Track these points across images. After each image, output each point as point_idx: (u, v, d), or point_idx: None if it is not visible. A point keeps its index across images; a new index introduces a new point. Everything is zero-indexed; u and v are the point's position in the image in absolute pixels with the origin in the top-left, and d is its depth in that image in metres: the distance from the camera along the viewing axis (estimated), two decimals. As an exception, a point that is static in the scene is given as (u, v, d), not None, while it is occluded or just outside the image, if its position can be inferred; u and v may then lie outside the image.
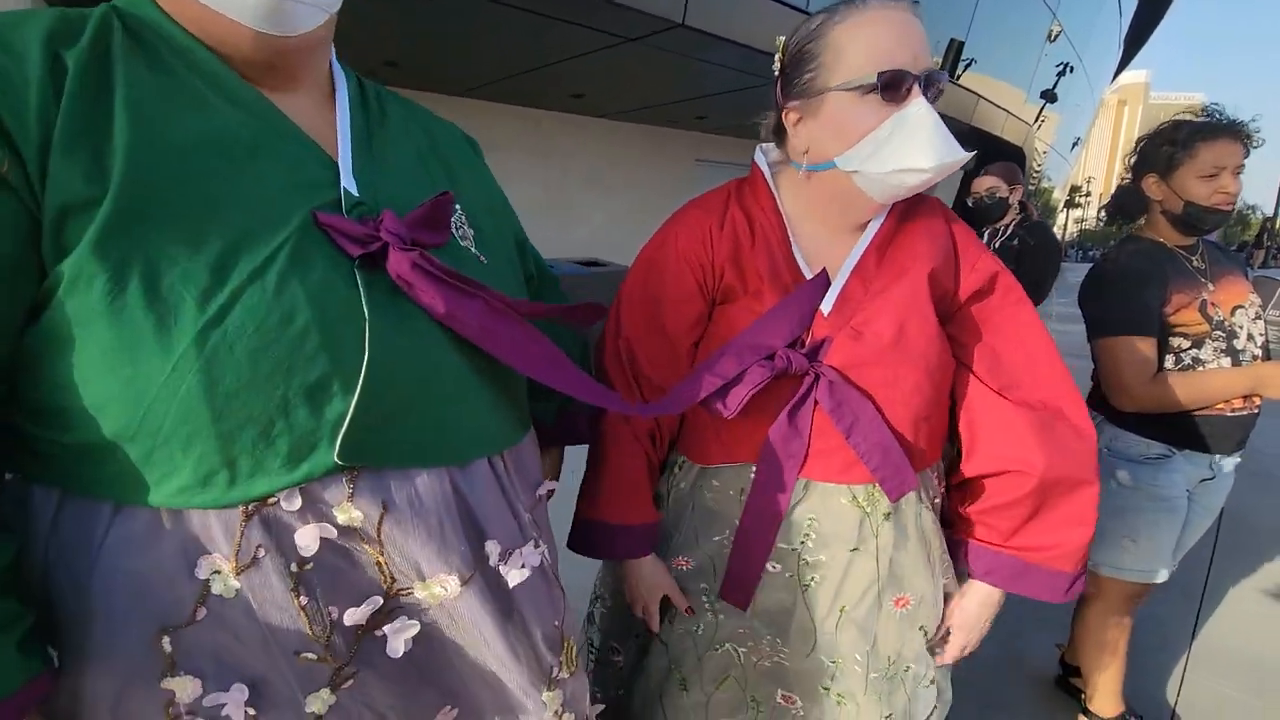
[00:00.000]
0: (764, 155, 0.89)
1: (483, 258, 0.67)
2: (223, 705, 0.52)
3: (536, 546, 0.68)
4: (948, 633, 0.88)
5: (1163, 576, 1.46)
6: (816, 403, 0.76)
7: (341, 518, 0.54)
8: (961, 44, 6.89)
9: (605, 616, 1.05)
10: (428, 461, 0.59)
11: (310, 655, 0.55)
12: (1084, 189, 60.21)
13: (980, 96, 6.45)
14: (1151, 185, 1.40)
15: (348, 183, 0.58)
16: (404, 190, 0.63)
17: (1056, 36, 8.35)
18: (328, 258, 0.53)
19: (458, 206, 0.67)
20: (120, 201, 0.45)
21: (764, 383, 0.75)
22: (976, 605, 0.85)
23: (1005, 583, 0.82)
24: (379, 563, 0.56)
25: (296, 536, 0.52)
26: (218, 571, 0.51)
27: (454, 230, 0.64)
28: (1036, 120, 14.58)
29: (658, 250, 0.87)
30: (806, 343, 0.78)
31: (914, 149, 0.71)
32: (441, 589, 0.58)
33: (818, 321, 0.78)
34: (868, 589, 0.80)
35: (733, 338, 0.78)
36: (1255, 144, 1.34)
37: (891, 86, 0.70)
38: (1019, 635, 1.91)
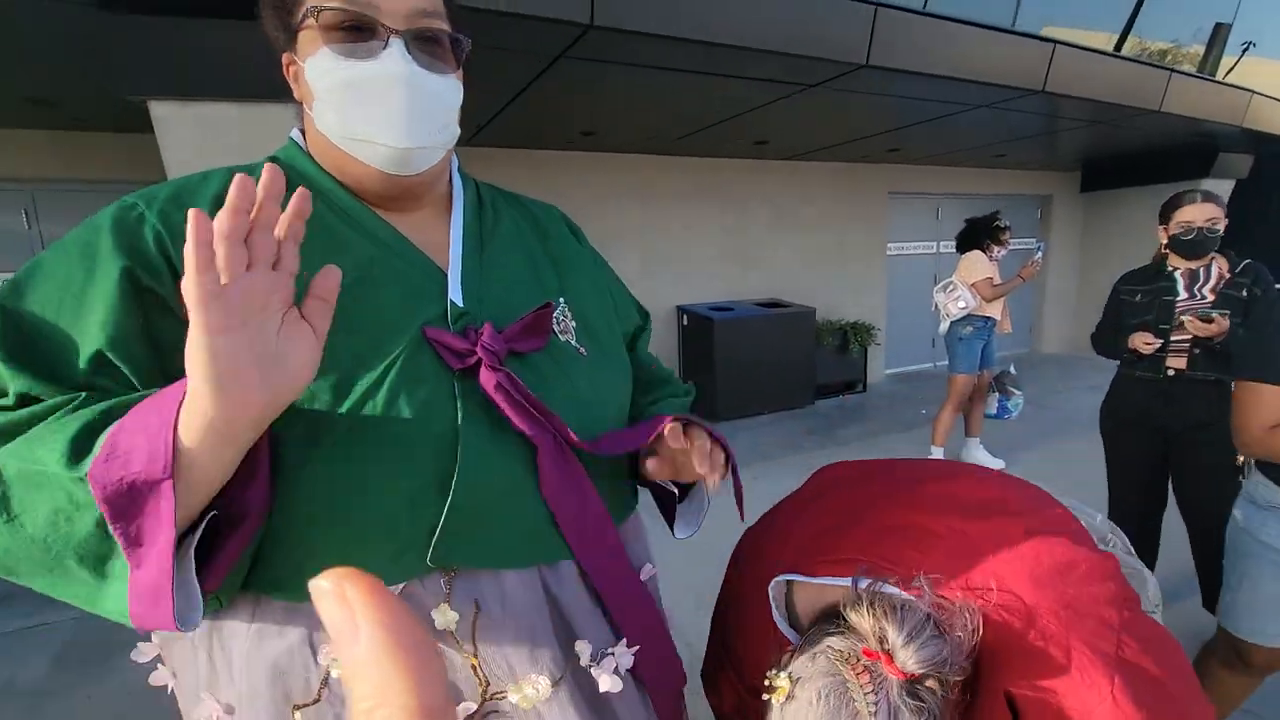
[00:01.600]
0: None
1: (582, 349, 0.72)
2: None
3: (633, 652, 0.69)
4: None
5: (1272, 640, 1.41)
6: None
7: (439, 620, 0.60)
8: (1228, 28, 5.77)
9: None
10: (516, 563, 0.64)
11: None
12: None
13: (1253, 91, 5.31)
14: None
15: (454, 294, 0.65)
16: (511, 295, 0.69)
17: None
18: (433, 371, 0.60)
19: (561, 300, 0.73)
20: None
21: None
22: None
23: None
24: (473, 665, 0.61)
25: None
26: (335, 659, 0.58)
27: (555, 326, 0.69)
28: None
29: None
30: None
31: None
32: (533, 690, 0.62)
33: None
34: None
35: None
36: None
37: None
38: None
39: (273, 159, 0.69)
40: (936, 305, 4.10)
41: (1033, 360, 7.48)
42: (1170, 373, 2.07)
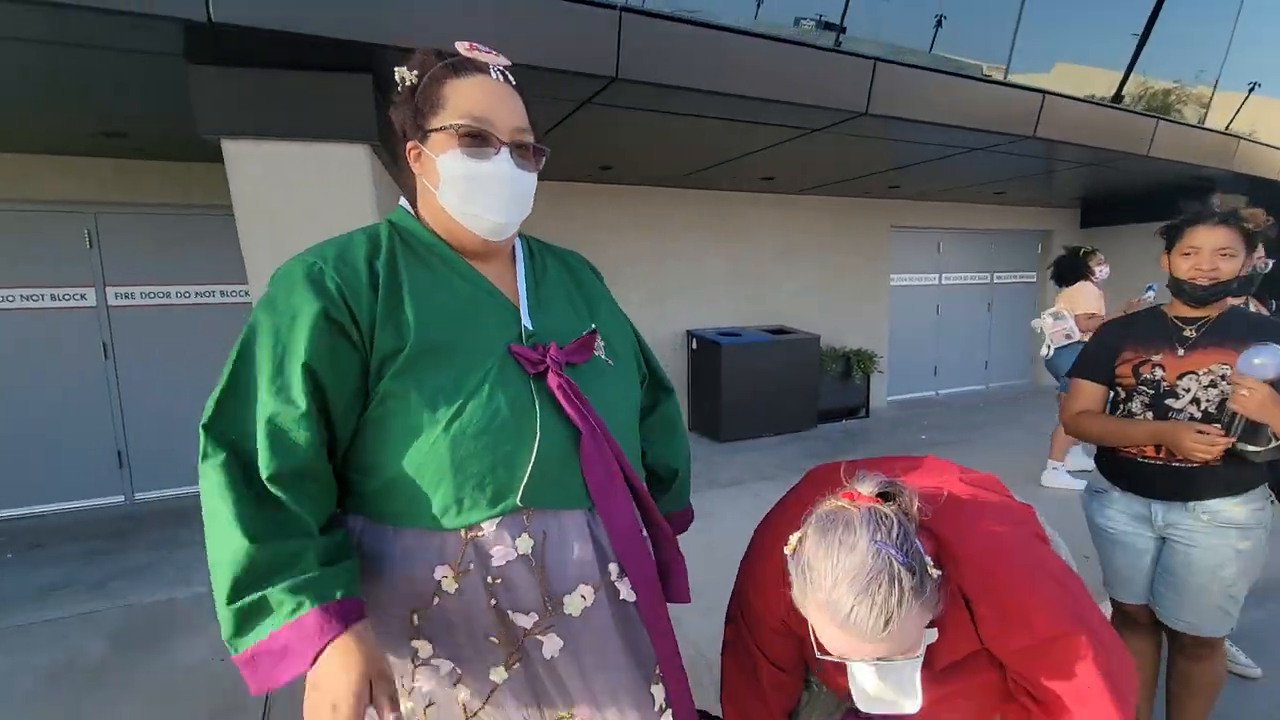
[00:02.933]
0: None
1: (610, 361, 0.99)
2: (442, 661, 0.85)
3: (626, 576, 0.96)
4: None
5: (1123, 596, 1.79)
6: None
7: (520, 546, 0.85)
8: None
9: None
10: (571, 505, 0.90)
11: (494, 639, 0.86)
12: None
13: (1240, 137, 5.57)
14: (1163, 260, 1.70)
15: (527, 322, 0.92)
16: (560, 322, 0.97)
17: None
18: (517, 374, 0.87)
19: (593, 325, 1.00)
20: (411, 352, 0.82)
21: None
22: None
23: None
24: (541, 584, 0.86)
25: (493, 553, 0.84)
26: (446, 575, 0.84)
27: (597, 344, 0.97)
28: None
29: (744, 619, 1.17)
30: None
31: None
32: (582, 598, 0.88)
33: None
34: None
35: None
36: (1255, 227, 1.54)
37: None
38: None
39: (390, 221, 0.95)
40: (1041, 329, 4.32)
41: (1034, 391, 7.65)
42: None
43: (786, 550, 0.88)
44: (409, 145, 0.93)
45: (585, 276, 1.10)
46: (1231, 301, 2.25)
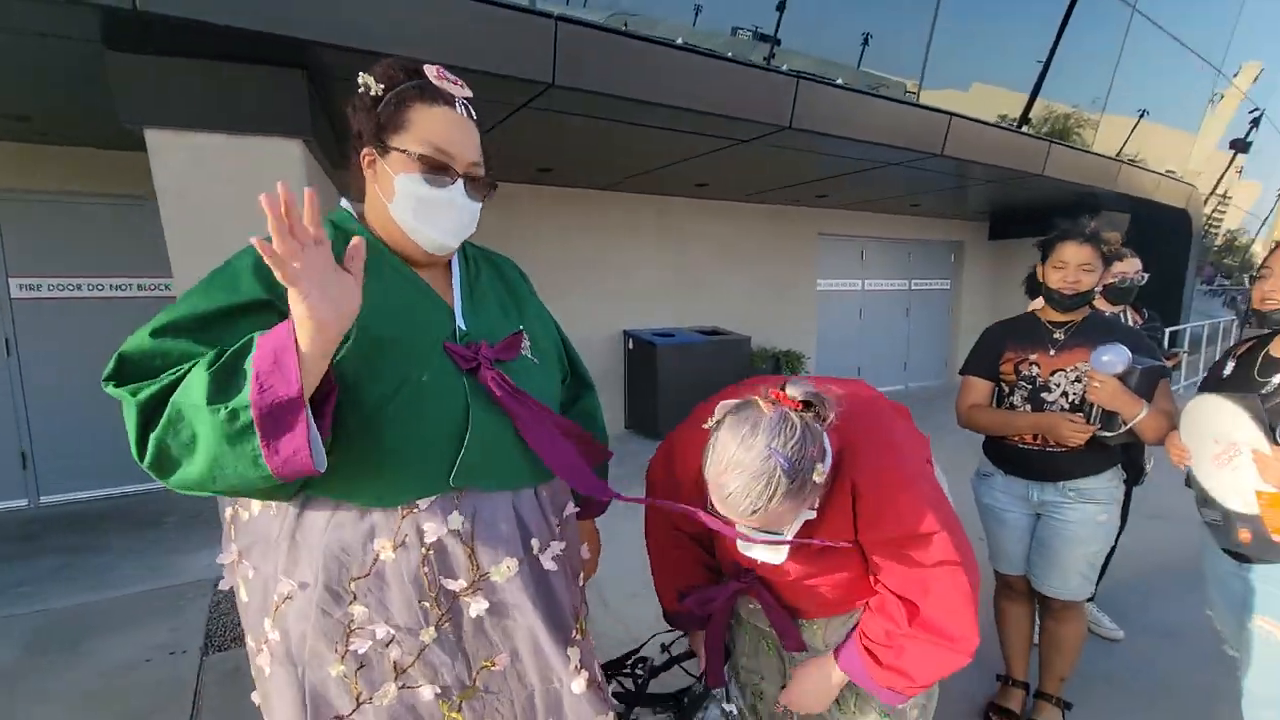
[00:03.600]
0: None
1: (535, 359, 1.10)
2: (376, 626, 0.93)
3: (563, 547, 1.08)
4: None
5: (1004, 568, 2.04)
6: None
7: (452, 523, 0.95)
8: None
9: None
10: (499, 487, 1.00)
11: (425, 604, 0.95)
12: (1306, 245, 51.19)
13: (1121, 161, 6.18)
14: (1038, 270, 1.94)
15: (460, 323, 1.01)
16: (492, 323, 1.06)
17: (1218, 99, 7.74)
18: (451, 369, 0.96)
19: (520, 327, 1.10)
20: (355, 346, 0.88)
21: (722, 599, 1.25)
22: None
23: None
24: (469, 554, 0.97)
25: (425, 529, 0.93)
26: (385, 547, 0.93)
27: (523, 344, 1.07)
28: (1226, 170, 13.10)
29: (665, 459, 1.32)
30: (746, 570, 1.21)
31: None
32: (507, 568, 0.98)
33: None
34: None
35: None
36: (1109, 249, 1.84)
37: None
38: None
39: (332, 221, 1.00)
40: None
41: (949, 390, 8.19)
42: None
43: (708, 424, 1.02)
44: (365, 152, 0.97)
45: (514, 280, 1.20)
46: (1107, 309, 2.57)
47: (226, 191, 2.72)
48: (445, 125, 0.95)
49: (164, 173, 2.61)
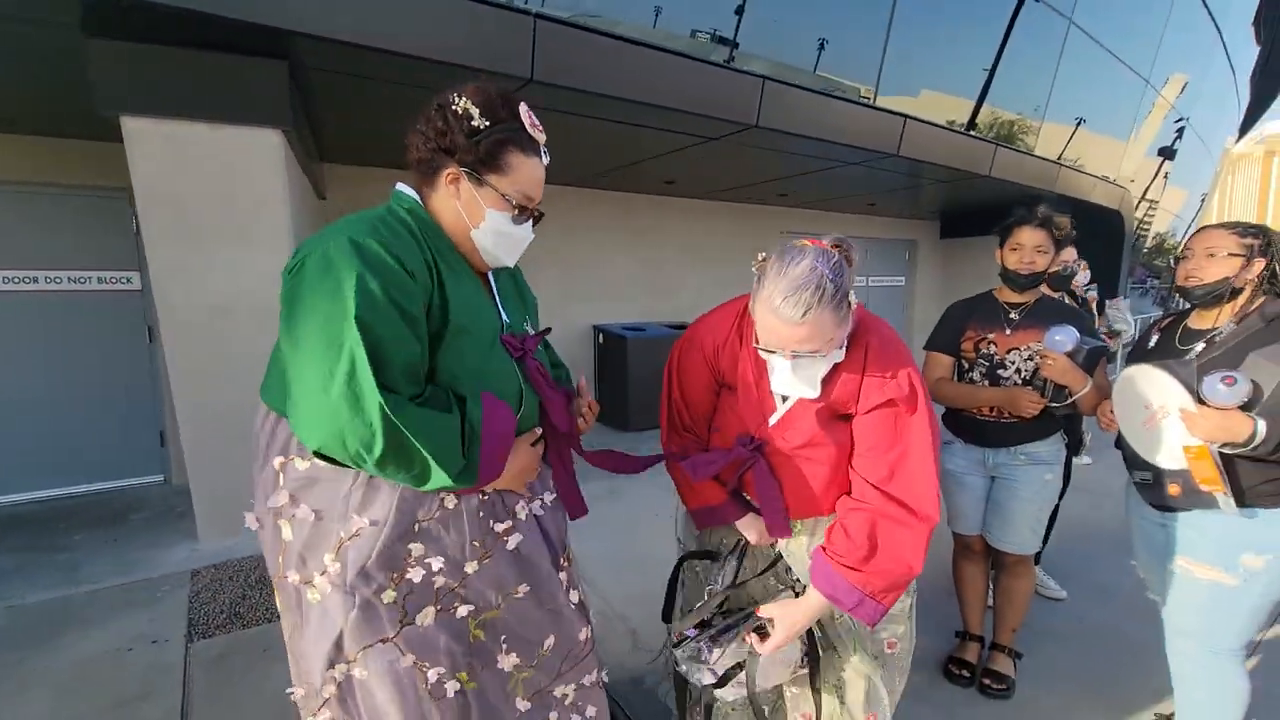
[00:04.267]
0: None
1: (541, 346, 1.30)
2: (431, 559, 1.07)
3: (553, 496, 1.29)
4: None
5: (962, 529, 2.22)
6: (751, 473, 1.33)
7: None
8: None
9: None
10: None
11: (475, 542, 1.11)
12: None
13: (1061, 164, 6.58)
14: (997, 254, 2.10)
15: (504, 316, 1.19)
16: (516, 317, 1.24)
17: (1148, 109, 8.27)
18: (505, 356, 1.14)
19: (531, 320, 1.31)
20: (449, 332, 1.04)
21: (724, 463, 1.34)
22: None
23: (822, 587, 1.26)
24: (503, 502, 1.16)
25: None
26: (448, 495, 1.08)
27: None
28: (1155, 177, 13.92)
29: (687, 343, 1.45)
30: (755, 439, 1.33)
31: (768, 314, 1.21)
32: (527, 507, 1.19)
33: (765, 428, 1.33)
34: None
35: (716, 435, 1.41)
36: (1061, 232, 2.01)
37: None
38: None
39: (392, 209, 1.10)
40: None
41: (903, 383, 8.54)
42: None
43: (754, 266, 1.19)
44: (451, 170, 1.08)
45: (519, 279, 1.38)
46: (1047, 293, 2.80)
47: (205, 182, 2.72)
48: (536, 178, 1.14)
49: (141, 162, 2.61)
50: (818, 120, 4.21)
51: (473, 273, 1.14)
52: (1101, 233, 8.23)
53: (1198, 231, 1.68)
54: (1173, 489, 1.60)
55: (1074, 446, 2.79)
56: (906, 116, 4.72)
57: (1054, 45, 6.71)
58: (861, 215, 8.16)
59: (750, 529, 1.41)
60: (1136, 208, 9.92)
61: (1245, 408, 1.44)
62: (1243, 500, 1.51)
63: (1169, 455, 1.57)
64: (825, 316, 1.11)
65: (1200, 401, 1.50)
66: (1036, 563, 2.92)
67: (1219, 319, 1.62)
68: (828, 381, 1.24)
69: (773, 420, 1.30)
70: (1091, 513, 3.65)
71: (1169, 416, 1.54)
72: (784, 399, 1.30)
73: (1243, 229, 1.60)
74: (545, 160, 1.16)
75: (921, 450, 1.20)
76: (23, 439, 3.97)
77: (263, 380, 1.11)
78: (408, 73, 2.88)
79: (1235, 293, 1.59)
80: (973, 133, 5.59)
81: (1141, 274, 16.61)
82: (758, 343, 1.20)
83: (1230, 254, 1.58)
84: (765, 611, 1.29)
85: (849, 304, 1.16)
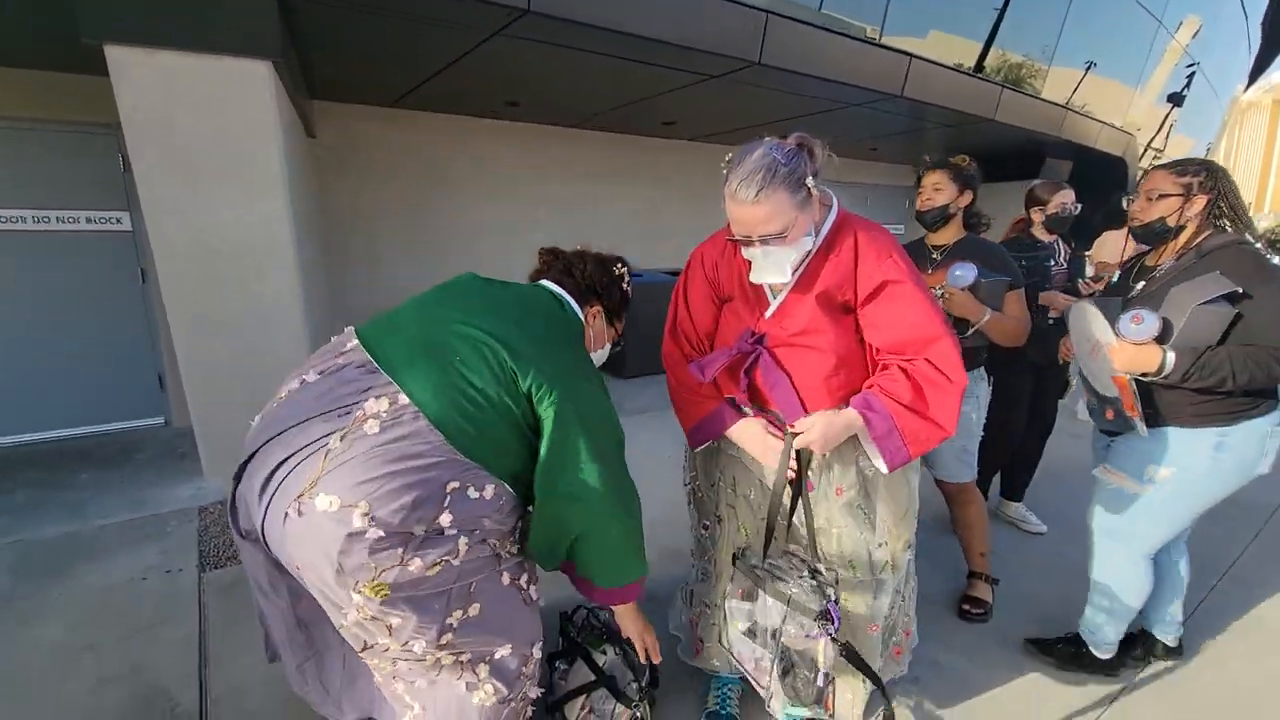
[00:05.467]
0: None
1: None
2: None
3: None
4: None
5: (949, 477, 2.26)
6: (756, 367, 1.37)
7: None
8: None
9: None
10: None
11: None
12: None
13: (1068, 109, 6.45)
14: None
15: None
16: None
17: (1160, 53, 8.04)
18: None
19: None
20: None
21: (731, 359, 1.38)
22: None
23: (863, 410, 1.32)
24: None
25: None
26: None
27: None
28: (1162, 127, 13.66)
29: (689, 263, 1.56)
30: (756, 333, 1.37)
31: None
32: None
33: (762, 322, 1.39)
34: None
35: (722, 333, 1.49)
36: (967, 169, 2.13)
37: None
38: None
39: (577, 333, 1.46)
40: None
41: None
42: (1051, 320, 2.57)
43: (721, 165, 1.32)
44: (597, 309, 1.54)
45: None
46: (1046, 238, 2.77)
47: (195, 114, 2.65)
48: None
49: (128, 93, 2.53)
50: (821, 58, 4.09)
51: None
52: (1105, 179, 8.13)
53: (1144, 173, 1.75)
54: (1109, 414, 1.75)
55: (1060, 390, 2.84)
56: (912, 56, 4.59)
57: (1067, -18, 6.48)
58: (862, 161, 8.02)
59: (745, 434, 1.43)
60: (1142, 157, 9.78)
61: (1164, 340, 1.56)
62: (1158, 421, 1.66)
63: (1105, 384, 1.70)
64: (780, 196, 1.21)
65: (1120, 335, 1.62)
66: (1019, 499, 3.02)
67: (1163, 256, 1.71)
68: (818, 270, 1.31)
69: (768, 313, 1.37)
70: (1081, 454, 3.74)
71: (1103, 349, 1.67)
72: (775, 294, 1.37)
73: (1181, 168, 1.65)
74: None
75: (934, 316, 1.26)
76: (21, 381, 3.99)
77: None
78: (401, 0, 2.78)
79: (1181, 230, 1.65)
80: (980, 75, 5.45)
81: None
82: (730, 236, 1.31)
83: (1163, 195, 1.65)
84: (800, 424, 1.31)
85: (808, 189, 1.24)
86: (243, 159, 2.78)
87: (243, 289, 2.92)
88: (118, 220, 4.08)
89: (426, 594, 1.10)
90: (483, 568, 1.19)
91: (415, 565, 1.06)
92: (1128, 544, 1.79)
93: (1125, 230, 2.56)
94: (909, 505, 1.48)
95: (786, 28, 3.84)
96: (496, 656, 1.24)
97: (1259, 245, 1.58)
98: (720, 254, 1.47)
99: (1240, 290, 1.49)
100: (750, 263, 1.35)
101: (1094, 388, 1.77)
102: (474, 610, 1.17)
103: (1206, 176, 1.61)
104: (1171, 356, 1.53)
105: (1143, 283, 1.72)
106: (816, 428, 1.27)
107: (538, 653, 1.32)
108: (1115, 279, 1.91)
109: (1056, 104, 6.33)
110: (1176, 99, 13.47)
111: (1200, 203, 1.62)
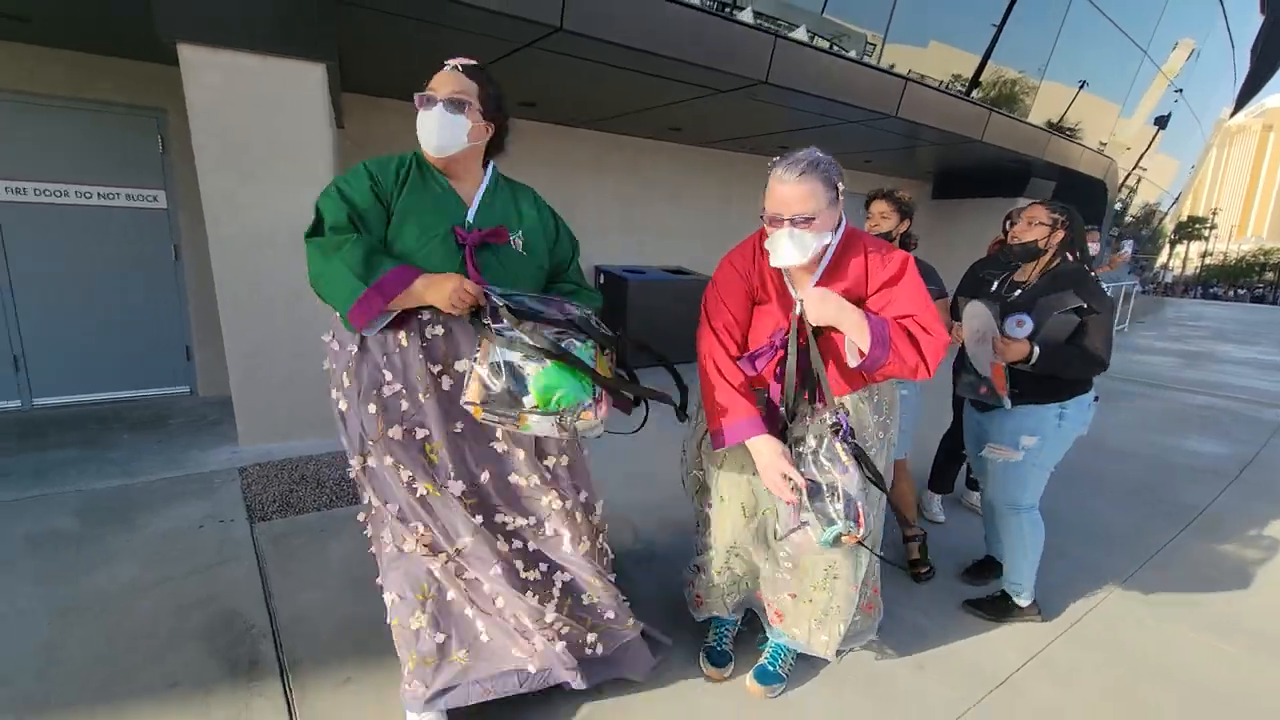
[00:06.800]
0: None
1: (524, 253, 1.64)
2: (396, 384, 1.51)
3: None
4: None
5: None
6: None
7: (436, 330, 1.51)
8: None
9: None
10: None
11: (421, 377, 1.51)
12: (1210, 220, 55.74)
13: (1051, 132, 6.81)
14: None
15: (470, 217, 1.57)
16: (494, 223, 1.59)
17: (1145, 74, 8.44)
18: (454, 243, 1.52)
19: (520, 230, 1.64)
20: (395, 217, 1.47)
21: (772, 355, 1.67)
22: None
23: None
24: (444, 351, 1.53)
25: (426, 330, 1.50)
26: (401, 336, 1.50)
27: (512, 238, 1.61)
28: (1148, 148, 14.13)
29: (722, 268, 1.79)
30: (788, 330, 1.66)
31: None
32: (460, 363, 1.54)
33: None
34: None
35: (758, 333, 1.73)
36: (907, 203, 2.54)
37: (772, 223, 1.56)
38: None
39: (414, 153, 1.56)
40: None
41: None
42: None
43: (768, 166, 1.54)
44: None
45: (526, 201, 1.72)
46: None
47: (254, 110, 2.91)
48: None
49: (197, 90, 2.79)
50: (823, 78, 4.41)
51: (445, 186, 1.54)
52: (1085, 200, 8.53)
53: (1025, 206, 2.24)
54: (982, 389, 2.21)
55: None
56: (907, 79, 4.92)
57: (1059, 8, 6.84)
58: (857, 172, 8.36)
59: (763, 449, 1.63)
60: (1129, 175, 10.19)
61: (1032, 337, 2.06)
62: (1022, 400, 2.14)
63: (984, 366, 2.16)
64: (817, 184, 1.46)
65: (1002, 333, 2.12)
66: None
67: (1031, 274, 2.21)
68: (839, 269, 1.60)
69: (797, 310, 1.63)
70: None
71: (986, 340, 2.11)
72: (799, 294, 1.64)
73: (1053, 207, 2.17)
74: (456, 70, 1.61)
75: (922, 292, 1.58)
76: (66, 346, 4.23)
77: None
78: (440, 11, 3.05)
79: (1044, 253, 2.16)
80: (974, 92, 5.80)
81: (1135, 246, 17.11)
82: (764, 214, 1.54)
83: (1039, 223, 2.14)
84: (808, 294, 1.60)
85: (838, 191, 1.52)
86: (293, 152, 3.05)
87: (286, 274, 3.19)
88: (154, 198, 4.32)
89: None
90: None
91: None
92: (1021, 505, 2.22)
93: (995, 240, 3.16)
94: (885, 471, 1.78)
95: (793, 50, 4.15)
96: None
97: (1095, 273, 2.17)
98: (750, 261, 1.71)
99: (1085, 305, 2.02)
100: (784, 275, 1.63)
101: (975, 368, 2.21)
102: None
103: (1068, 217, 2.14)
104: (1037, 349, 2.04)
105: (1018, 292, 2.20)
106: (814, 295, 1.57)
107: (355, 463, 1.57)
108: (996, 286, 2.34)
109: (1040, 128, 6.69)
110: (1162, 122, 13.95)
111: (1060, 235, 2.14)
